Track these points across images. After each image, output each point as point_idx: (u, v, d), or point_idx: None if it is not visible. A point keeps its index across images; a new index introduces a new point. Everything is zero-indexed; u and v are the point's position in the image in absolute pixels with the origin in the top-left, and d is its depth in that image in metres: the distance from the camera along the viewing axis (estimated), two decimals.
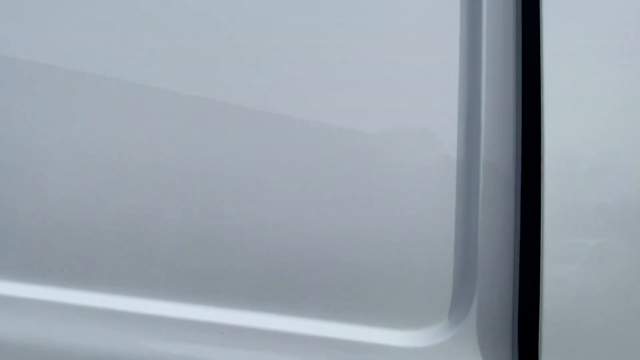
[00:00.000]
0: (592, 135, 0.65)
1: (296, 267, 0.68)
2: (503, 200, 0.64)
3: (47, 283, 0.75)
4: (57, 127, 0.77)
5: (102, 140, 0.77)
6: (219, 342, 0.67)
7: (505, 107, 0.67)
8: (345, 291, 0.66)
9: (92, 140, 0.77)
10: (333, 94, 0.74)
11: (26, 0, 0.80)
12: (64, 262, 0.75)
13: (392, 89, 0.72)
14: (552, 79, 0.66)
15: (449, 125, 0.68)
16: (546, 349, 0.57)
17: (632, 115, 0.65)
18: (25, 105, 0.78)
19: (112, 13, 0.79)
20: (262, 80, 0.76)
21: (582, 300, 0.59)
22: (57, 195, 0.76)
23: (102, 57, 0.78)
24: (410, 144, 0.69)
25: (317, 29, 0.76)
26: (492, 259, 0.62)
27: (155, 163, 0.76)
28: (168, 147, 0.76)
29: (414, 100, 0.71)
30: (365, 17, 0.75)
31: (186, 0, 0.79)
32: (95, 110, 0.77)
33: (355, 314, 0.66)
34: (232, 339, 0.68)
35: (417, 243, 0.65)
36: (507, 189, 0.64)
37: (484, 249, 0.63)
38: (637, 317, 0.56)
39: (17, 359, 0.73)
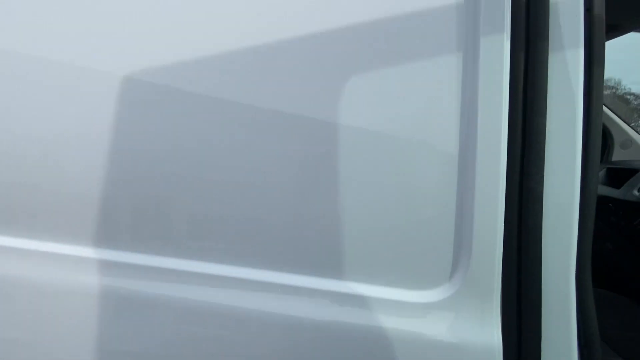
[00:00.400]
0: None
1: (331, 242, 0.85)
2: (493, 186, 0.79)
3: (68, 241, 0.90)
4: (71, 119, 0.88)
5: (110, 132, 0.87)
6: (272, 298, 0.86)
7: (498, 106, 0.79)
8: (375, 260, 0.85)
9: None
10: (343, 92, 0.82)
11: None
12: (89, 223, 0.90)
13: (398, 87, 0.82)
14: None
15: (450, 118, 0.81)
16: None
17: None
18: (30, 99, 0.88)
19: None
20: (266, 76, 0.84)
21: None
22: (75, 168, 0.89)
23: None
24: (419, 134, 0.82)
25: (315, 26, 0.82)
26: (484, 234, 0.79)
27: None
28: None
29: (421, 98, 0.82)
30: (373, 17, 0.82)
31: None
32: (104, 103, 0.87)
33: (382, 278, 0.85)
34: (268, 293, 0.86)
35: (426, 222, 0.82)
36: (497, 178, 0.79)
37: (478, 226, 0.80)
38: None
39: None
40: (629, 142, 2.93)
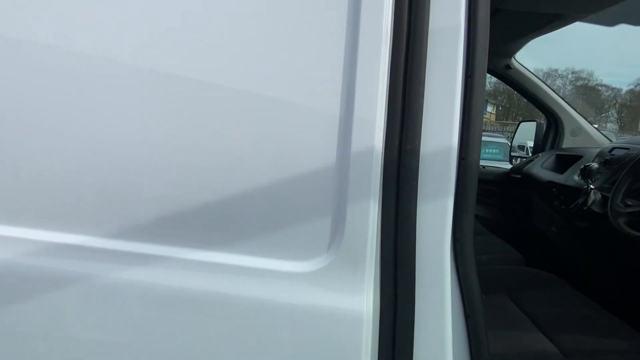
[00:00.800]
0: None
1: (219, 212, 0.86)
2: (367, 162, 0.81)
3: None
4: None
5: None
6: (151, 269, 0.87)
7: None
8: (256, 232, 0.86)
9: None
10: (234, 61, 0.82)
11: None
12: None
13: (284, 55, 0.82)
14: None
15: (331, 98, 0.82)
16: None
17: None
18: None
19: None
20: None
21: None
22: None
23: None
24: (297, 112, 0.83)
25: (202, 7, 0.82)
26: (358, 209, 0.82)
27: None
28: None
29: (302, 69, 0.82)
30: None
31: None
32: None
33: (263, 250, 0.87)
34: (154, 266, 0.87)
35: (303, 196, 0.84)
36: (371, 154, 0.80)
37: (353, 198, 0.82)
38: None
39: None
40: (578, 129, 3.03)
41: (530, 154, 3.43)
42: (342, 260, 0.81)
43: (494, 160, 7.88)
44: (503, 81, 3.18)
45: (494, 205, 3.35)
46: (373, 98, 0.78)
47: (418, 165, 0.79)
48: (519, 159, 3.58)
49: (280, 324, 0.82)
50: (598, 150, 2.37)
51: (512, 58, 3.06)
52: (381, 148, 0.80)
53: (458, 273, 0.83)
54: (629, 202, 1.70)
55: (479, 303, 0.84)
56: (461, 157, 0.80)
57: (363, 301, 0.81)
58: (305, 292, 0.83)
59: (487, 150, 10.40)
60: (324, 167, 0.81)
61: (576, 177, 2.19)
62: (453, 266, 0.84)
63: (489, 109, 46.46)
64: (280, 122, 0.83)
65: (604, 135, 3.05)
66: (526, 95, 3.13)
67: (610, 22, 2.21)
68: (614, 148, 2.21)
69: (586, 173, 1.97)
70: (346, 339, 0.80)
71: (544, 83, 3.09)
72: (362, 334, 0.79)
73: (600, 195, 1.91)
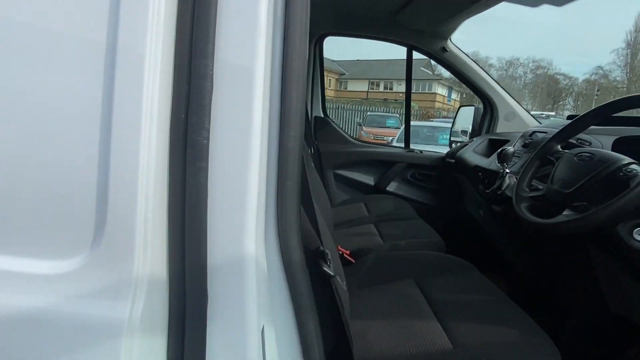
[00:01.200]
0: None
1: None
2: (133, 139, 0.67)
3: None
4: None
5: None
6: None
7: None
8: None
9: None
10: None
11: None
12: None
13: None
14: None
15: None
16: None
17: None
18: None
19: None
20: None
21: None
22: None
23: None
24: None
25: None
26: (121, 200, 0.69)
27: None
28: None
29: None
30: None
31: None
32: None
33: (8, 246, 0.71)
34: None
35: (64, 189, 0.69)
36: (138, 130, 0.67)
37: (114, 190, 0.68)
38: None
39: None
40: (511, 114, 3.03)
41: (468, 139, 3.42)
42: (102, 258, 0.68)
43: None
44: (440, 64, 3.13)
45: (429, 189, 3.34)
46: (138, 75, 0.64)
47: (208, 142, 0.67)
48: (459, 143, 3.57)
49: (22, 337, 0.68)
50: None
51: (448, 40, 3.02)
52: (156, 117, 0.66)
53: (285, 268, 0.73)
54: (540, 187, 1.67)
55: (307, 300, 0.74)
56: (282, 139, 0.69)
57: (127, 307, 0.67)
58: (55, 297, 0.68)
59: (444, 136, 10.54)
60: (83, 140, 0.66)
61: (496, 161, 2.17)
62: (279, 260, 0.73)
63: (454, 96, 47.26)
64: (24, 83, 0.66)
65: (536, 120, 3.06)
66: (462, 79, 3.10)
67: (533, 3, 2.18)
68: (534, 132, 2.20)
69: (502, 157, 1.94)
70: (101, 353, 0.67)
71: (479, 67, 3.06)
72: (121, 347, 0.66)
73: (515, 179, 1.88)
